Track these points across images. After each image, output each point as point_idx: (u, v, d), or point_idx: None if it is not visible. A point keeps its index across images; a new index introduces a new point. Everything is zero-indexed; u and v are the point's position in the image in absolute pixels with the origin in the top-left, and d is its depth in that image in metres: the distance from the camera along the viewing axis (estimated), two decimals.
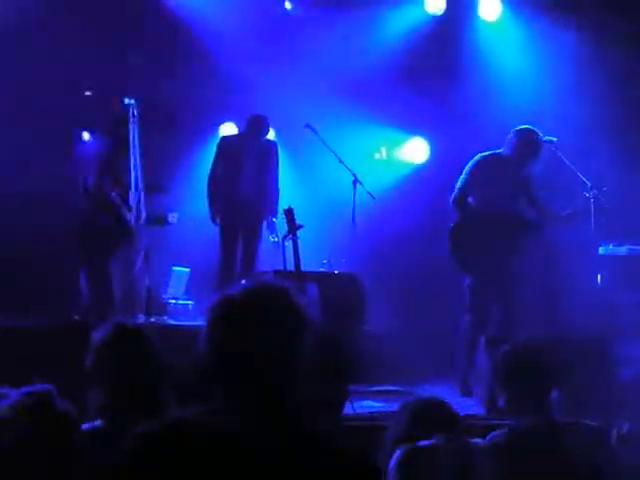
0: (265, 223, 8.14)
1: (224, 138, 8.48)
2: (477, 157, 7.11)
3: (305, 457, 1.91)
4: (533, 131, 7.07)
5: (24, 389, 2.30)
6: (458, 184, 7.06)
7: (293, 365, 1.99)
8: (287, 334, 1.98)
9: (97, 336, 3.08)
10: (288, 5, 8.97)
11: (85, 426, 2.99)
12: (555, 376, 3.64)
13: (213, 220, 8.09)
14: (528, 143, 7.02)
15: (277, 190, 8.20)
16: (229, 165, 8.07)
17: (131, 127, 6.70)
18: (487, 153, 7.16)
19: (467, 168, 7.09)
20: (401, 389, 6.97)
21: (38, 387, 2.30)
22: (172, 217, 7.37)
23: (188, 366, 4.98)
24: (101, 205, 6.78)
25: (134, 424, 2.89)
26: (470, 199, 7.05)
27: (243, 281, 7.32)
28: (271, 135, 8.42)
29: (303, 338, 2.00)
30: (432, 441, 3.23)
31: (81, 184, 6.84)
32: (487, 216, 6.92)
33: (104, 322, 3.18)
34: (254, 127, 8.07)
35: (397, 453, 3.20)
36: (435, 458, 3.18)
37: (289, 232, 6.42)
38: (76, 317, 7.11)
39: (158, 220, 7.29)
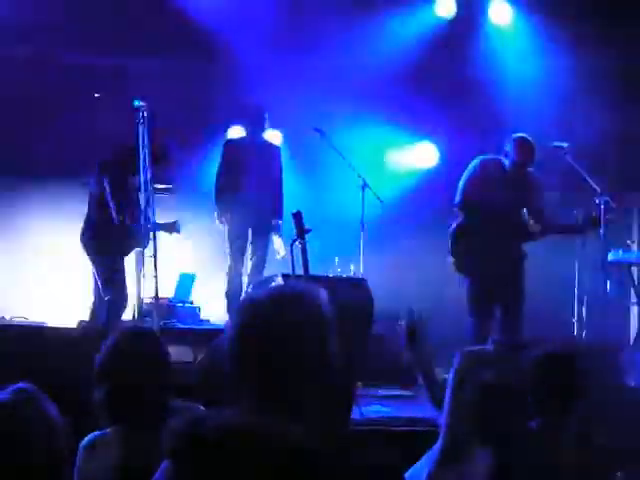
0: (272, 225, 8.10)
1: (229, 141, 8.45)
2: (476, 160, 7.09)
3: (341, 460, 1.92)
4: (525, 138, 6.95)
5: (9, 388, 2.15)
6: (460, 185, 7.05)
7: (322, 367, 2.00)
8: (316, 337, 1.99)
9: (109, 339, 3.06)
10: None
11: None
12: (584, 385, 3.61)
13: (221, 222, 8.07)
14: (521, 150, 6.92)
15: (281, 193, 8.15)
16: (234, 168, 8.02)
17: (140, 129, 6.69)
18: (487, 157, 7.13)
19: (467, 170, 7.08)
20: (409, 393, 6.95)
21: (22, 386, 2.16)
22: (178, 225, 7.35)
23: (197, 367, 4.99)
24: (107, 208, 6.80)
25: (139, 428, 2.88)
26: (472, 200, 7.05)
27: (251, 285, 7.29)
28: (278, 139, 8.39)
29: (330, 341, 2.02)
30: None
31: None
32: (488, 219, 6.91)
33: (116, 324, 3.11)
34: (254, 117, 8.01)
35: None
36: None
37: (297, 236, 6.38)
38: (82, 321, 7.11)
39: (168, 227, 7.28)
